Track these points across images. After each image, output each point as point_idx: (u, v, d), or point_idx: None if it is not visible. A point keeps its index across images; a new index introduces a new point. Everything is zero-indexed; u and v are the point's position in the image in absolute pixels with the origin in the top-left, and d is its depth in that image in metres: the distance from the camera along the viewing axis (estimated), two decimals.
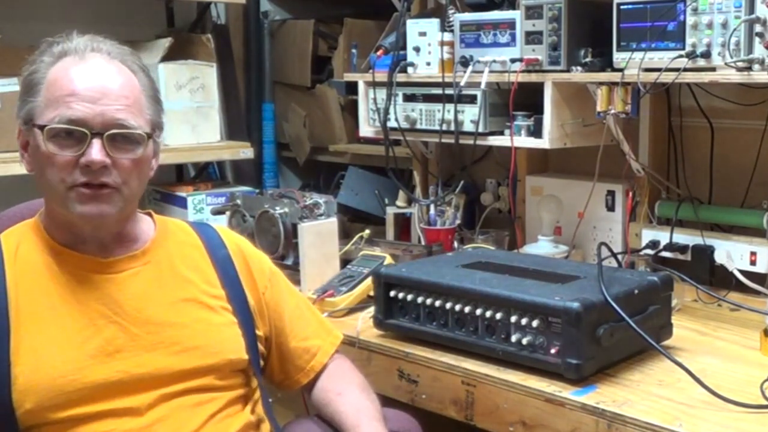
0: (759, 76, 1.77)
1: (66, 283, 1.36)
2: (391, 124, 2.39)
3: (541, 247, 2.29)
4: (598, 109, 2.03)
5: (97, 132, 1.32)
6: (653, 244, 2.17)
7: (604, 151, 2.17)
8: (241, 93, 3.40)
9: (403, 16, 2.42)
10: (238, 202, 2.39)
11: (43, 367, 1.30)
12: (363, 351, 1.87)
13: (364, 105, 2.53)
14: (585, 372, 1.57)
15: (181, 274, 1.45)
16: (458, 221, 2.49)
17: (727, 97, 2.13)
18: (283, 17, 3.52)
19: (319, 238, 2.22)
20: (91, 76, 1.34)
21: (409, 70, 2.39)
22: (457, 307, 1.73)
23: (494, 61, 2.19)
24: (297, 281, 2.17)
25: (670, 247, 2.14)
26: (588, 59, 2.07)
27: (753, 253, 2.03)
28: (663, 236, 2.17)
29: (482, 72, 2.19)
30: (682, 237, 2.14)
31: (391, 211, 2.66)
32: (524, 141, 2.19)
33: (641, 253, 2.17)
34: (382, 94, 2.41)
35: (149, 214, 1.51)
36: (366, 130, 2.56)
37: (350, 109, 3.17)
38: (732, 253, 2.05)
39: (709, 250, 2.09)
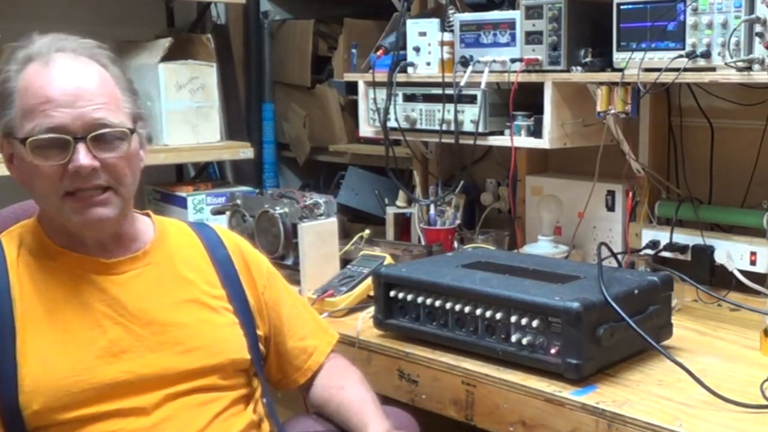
0: (759, 76, 1.77)
1: (69, 284, 1.36)
2: (391, 124, 2.39)
3: (541, 247, 2.29)
4: (598, 109, 2.03)
5: (80, 136, 1.29)
6: (653, 244, 2.17)
7: (604, 151, 2.17)
8: (241, 93, 3.41)
9: (403, 16, 2.42)
10: (238, 202, 2.39)
11: (50, 368, 1.30)
12: (363, 351, 1.87)
13: (364, 105, 2.53)
14: (585, 372, 1.57)
15: (182, 275, 1.45)
16: (458, 221, 2.49)
17: (727, 97, 2.13)
18: (283, 17, 3.52)
19: (319, 238, 2.22)
20: (62, 79, 1.30)
21: (409, 70, 2.39)
22: (457, 307, 1.73)
23: (494, 61, 2.19)
24: (297, 281, 2.17)
25: (670, 247, 2.14)
26: (588, 59, 2.07)
27: (753, 253, 2.03)
28: (663, 236, 2.16)
29: (482, 72, 2.19)
30: (682, 237, 2.14)
31: (391, 211, 2.66)
32: (524, 141, 2.19)
33: (641, 253, 2.17)
34: (382, 94, 2.40)
35: (147, 215, 1.51)
36: (366, 130, 2.56)
37: (350, 109, 3.17)
38: (732, 253, 2.05)
39: (709, 250, 2.09)
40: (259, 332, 1.52)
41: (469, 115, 2.24)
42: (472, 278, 1.78)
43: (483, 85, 2.19)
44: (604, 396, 1.53)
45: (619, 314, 1.58)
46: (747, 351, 1.77)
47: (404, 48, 2.40)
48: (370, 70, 2.45)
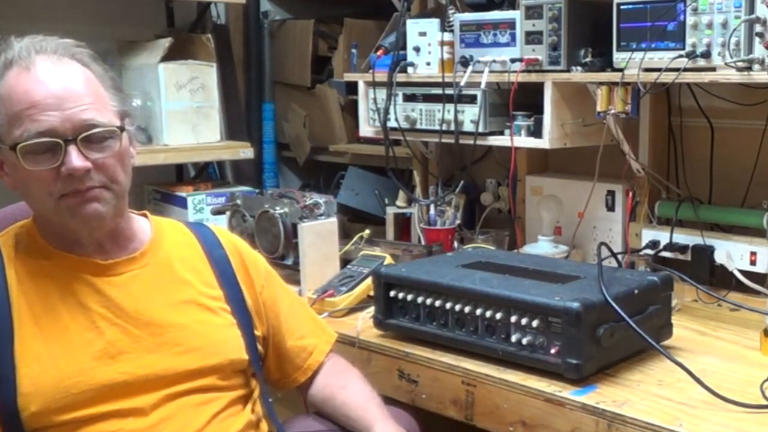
0: (759, 76, 1.77)
1: (66, 285, 1.36)
2: (391, 124, 2.39)
3: (541, 247, 2.29)
4: (598, 109, 2.03)
5: (70, 138, 1.28)
6: (653, 244, 2.17)
7: (604, 151, 2.17)
8: (241, 93, 3.40)
9: (403, 16, 2.42)
10: (238, 202, 2.39)
11: (48, 370, 1.30)
12: (363, 351, 1.87)
13: (364, 105, 2.53)
14: (585, 372, 1.57)
15: (180, 276, 1.45)
16: (458, 221, 2.49)
17: (727, 97, 2.13)
18: (283, 17, 3.52)
19: (319, 238, 2.22)
20: (46, 82, 1.29)
21: (409, 70, 2.39)
22: (457, 307, 1.73)
23: (494, 61, 2.19)
24: (297, 281, 2.17)
25: (670, 247, 2.14)
26: (588, 59, 2.06)
27: (753, 253, 2.03)
28: (663, 236, 2.16)
29: (482, 72, 2.19)
30: (682, 237, 2.14)
31: (391, 211, 2.66)
32: (524, 141, 2.19)
33: (641, 253, 2.17)
34: (382, 94, 2.40)
35: (144, 215, 1.51)
36: (366, 130, 2.56)
37: (350, 109, 3.17)
38: (732, 253, 2.05)
39: (709, 250, 2.09)
40: (257, 332, 1.52)
41: (469, 115, 2.24)
42: (472, 278, 1.78)
43: (483, 85, 2.19)
44: (604, 396, 1.53)
45: (619, 314, 1.58)
46: (747, 351, 1.77)
47: (404, 48, 2.40)
48: (370, 70, 2.45)
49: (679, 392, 1.54)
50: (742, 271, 2.04)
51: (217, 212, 2.51)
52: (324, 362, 1.60)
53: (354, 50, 3.12)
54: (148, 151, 2.58)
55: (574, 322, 1.55)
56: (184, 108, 2.72)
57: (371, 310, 1.93)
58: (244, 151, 2.87)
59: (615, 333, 1.58)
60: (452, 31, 2.31)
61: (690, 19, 1.86)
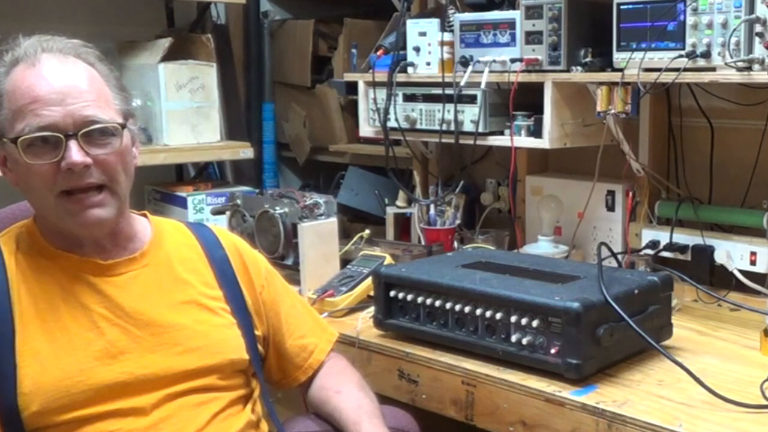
0: (759, 76, 1.77)
1: (66, 285, 1.36)
2: (391, 124, 2.39)
3: (541, 247, 2.29)
4: (598, 109, 2.03)
5: (71, 133, 1.29)
6: (653, 244, 2.17)
7: (604, 151, 2.17)
8: (241, 93, 3.40)
9: (403, 16, 2.42)
10: (238, 202, 2.39)
11: (49, 370, 1.30)
12: (363, 351, 1.87)
13: (364, 105, 2.53)
14: (585, 372, 1.57)
15: (180, 277, 1.45)
16: (458, 221, 2.49)
17: (727, 97, 2.13)
18: (283, 17, 3.52)
19: (319, 238, 2.22)
20: (49, 78, 1.31)
21: (409, 70, 2.39)
22: (457, 307, 1.73)
23: (494, 61, 2.19)
24: (297, 281, 2.17)
25: (670, 247, 2.14)
26: (588, 59, 2.06)
27: (753, 253, 2.03)
28: (663, 236, 2.16)
29: (482, 72, 2.19)
30: (682, 237, 2.14)
31: (391, 211, 2.66)
32: (524, 141, 2.19)
33: (641, 253, 2.17)
34: (382, 94, 2.40)
35: (144, 215, 1.51)
36: (366, 130, 2.56)
37: (350, 109, 3.17)
38: (732, 253, 2.05)
39: (709, 250, 2.09)
40: (258, 332, 1.52)
41: (469, 115, 2.24)
42: (472, 278, 1.78)
43: (483, 85, 2.19)
44: (604, 396, 1.53)
45: (619, 314, 1.58)
46: (747, 351, 1.77)
47: (404, 48, 2.40)
48: (370, 70, 2.45)
49: (679, 392, 1.54)
50: (742, 271, 2.04)
51: (217, 212, 2.51)
52: (324, 362, 1.60)
53: (354, 50, 3.12)
54: (148, 151, 2.58)
55: (574, 322, 1.55)
56: (184, 108, 2.72)
57: (371, 310, 1.93)
58: (244, 151, 2.87)
59: (615, 333, 1.58)
60: (452, 31, 2.31)
61: (690, 19, 1.86)
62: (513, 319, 1.64)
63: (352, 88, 2.85)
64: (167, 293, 1.42)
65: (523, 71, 2.12)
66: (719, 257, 2.07)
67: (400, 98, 2.39)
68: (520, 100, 2.14)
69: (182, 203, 2.74)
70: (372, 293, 1.94)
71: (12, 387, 1.29)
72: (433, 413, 1.76)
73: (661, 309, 1.72)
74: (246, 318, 1.50)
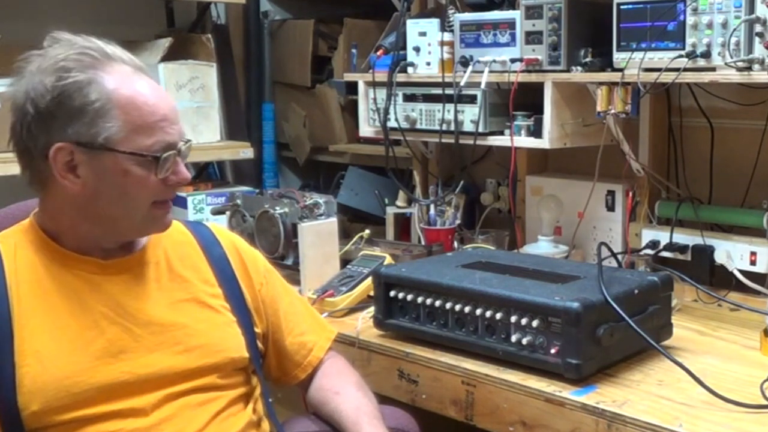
0: (759, 76, 1.77)
1: (67, 284, 1.36)
2: (391, 124, 2.39)
3: (541, 247, 2.29)
4: (598, 109, 2.03)
5: (178, 150, 1.36)
6: (653, 244, 2.17)
7: (604, 151, 2.17)
8: (241, 93, 3.40)
9: (403, 16, 2.42)
10: (238, 202, 2.39)
11: (49, 369, 1.30)
12: (363, 351, 1.87)
13: (364, 105, 2.53)
14: (585, 372, 1.57)
15: (180, 275, 1.46)
16: (458, 221, 2.49)
17: (727, 97, 2.13)
18: (283, 17, 3.52)
19: (319, 238, 2.22)
20: (161, 94, 1.38)
21: (409, 70, 2.39)
22: (457, 307, 1.73)
23: (494, 61, 2.19)
24: (297, 281, 2.17)
25: (670, 247, 2.14)
26: (588, 59, 2.06)
27: (753, 253, 2.03)
28: (663, 236, 2.16)
29: (482, 72, 2.19)
30: (682, 237, 2.14)
31: (391, 211, 2.66)
32: (524, 141, 2.19)
33: (641, 253, 2.17)
34: (382, 94, 2.40)
35: None
36: (366, 130, 2.56)
37: (350, 109, 3.17)
38: (732, 253, 2.05)
39: (709, 250, 2.09)
40: (257, 330, 1.52)
41: (469, 115, 2.24)
42: (472, 278, 1.78)
43: (483, 85, 2.19)
44: (604, 396, 1.53)
45: (619, 314, 1.58)
46: (747, 351, 1.77)
47: (404, 48, 2.40)
48: (370, 70, 2.45)
49: (679, 392, 1.54)
50: (742, 271, 2.04)
51: (217, 212, 2.50)
52: (324, 359, 1.60)
53: (354, 50, 3.12)
54: None
55: (574, 322, 1.55)
56: (184, 108, 2.72)
57: (371, 310, 1.93)
58: (244, 151, 2.87)
59: (615, 333, 1.58)
60: (452, 31, 2.31)
61: (690, 19, 1.86)
62: (513, 319, 1.64)
63: (352, 88, 2.86)
64: (167, 291, 1.43)
65: (523, 71, 2.12)
66: (719, 257, 2.07)
67: (400, 98, 2.39)
68: (520, 100, 2.14)
69: (182, 203, 2.74)
70: (372, 293, 1.94)
71: (12, 386, 1.28)
72: (433, 413, 1.76)
73: (661, 309, 1.72)
74: (246, 316, 1.50)
